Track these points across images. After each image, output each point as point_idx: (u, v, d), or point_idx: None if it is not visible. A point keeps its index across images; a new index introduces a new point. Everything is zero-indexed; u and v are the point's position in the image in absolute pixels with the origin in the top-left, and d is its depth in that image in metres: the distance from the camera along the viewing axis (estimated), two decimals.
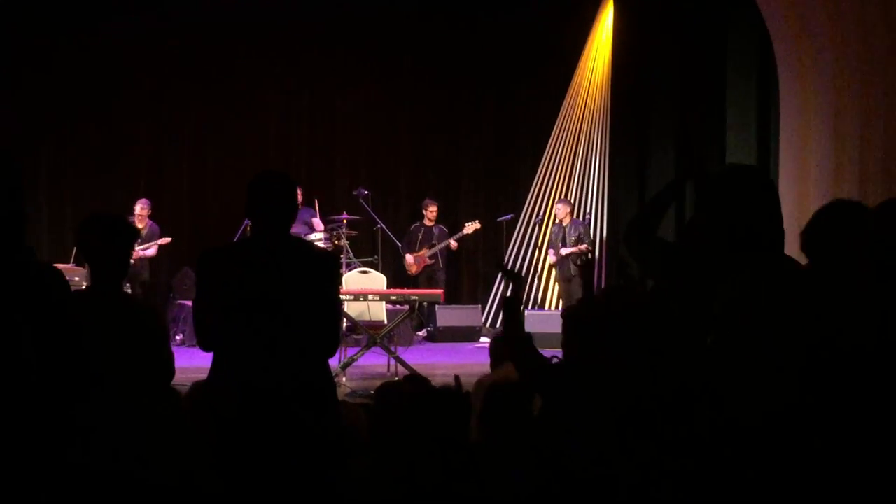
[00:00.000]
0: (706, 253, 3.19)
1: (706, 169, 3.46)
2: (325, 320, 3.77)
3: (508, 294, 3.94)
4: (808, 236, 3.32)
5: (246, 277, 3.67)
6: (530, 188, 13.79)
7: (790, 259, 3.19)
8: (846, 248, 3.21)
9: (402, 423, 3.41)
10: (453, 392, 3.58)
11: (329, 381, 3.86)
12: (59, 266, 3.97)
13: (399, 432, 3.39)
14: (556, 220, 12.55)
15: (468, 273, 14.39)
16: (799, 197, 9.61)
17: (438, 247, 12.67)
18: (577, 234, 12.28)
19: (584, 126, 13.56)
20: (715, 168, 3.53)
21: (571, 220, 12.46)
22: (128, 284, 10.96)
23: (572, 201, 13.02)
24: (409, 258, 12.69)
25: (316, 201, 12.09)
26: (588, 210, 13.31)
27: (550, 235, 12.68)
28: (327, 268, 3.90)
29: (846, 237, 3.23)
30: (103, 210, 4.11)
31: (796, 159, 10.22)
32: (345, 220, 12.07)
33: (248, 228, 10.05)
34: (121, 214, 4.25)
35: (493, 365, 5.68)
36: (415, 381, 5.06)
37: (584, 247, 12.11)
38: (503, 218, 13.09)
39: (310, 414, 3.65)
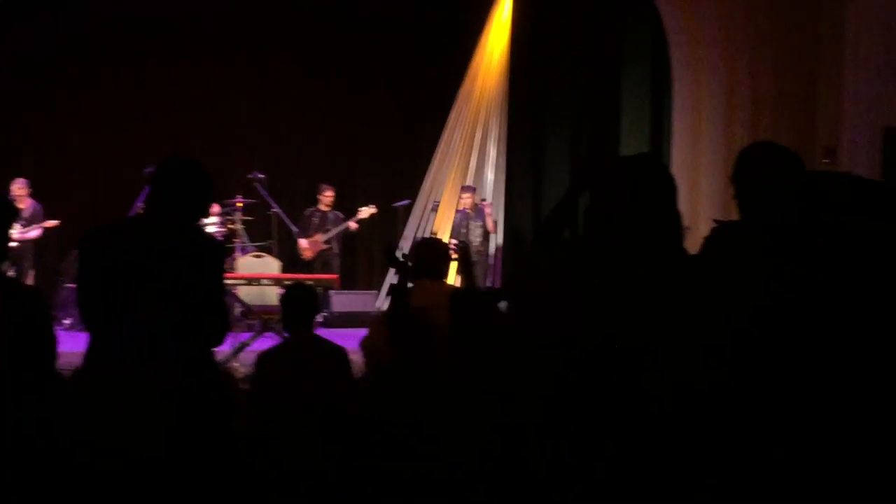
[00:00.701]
0: (610, 242, 3.16)
1: (605, 159, 3.47)
2: (209, 308, 3.66)
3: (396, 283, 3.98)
4: (738, 178, 3.14)
5: (129, 260, 3.56)
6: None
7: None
8: (778, 192, 3.06)
9: (280, 393, 3.40)
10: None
11: (214, 368, 3.79)
12: None
13: (278, 403, 3.38)
14: (461, 208, 12.55)
15: (363, 259, 14.34)
16: (691, 187, 9.79)
17: (333, 232, 12.56)
18: (481, 221, 12.32)
19: (482, 110, 13.56)
20: (614, 158, 3.53)
21: (476, 207, 12.49)
22: (13, 268, 10.67)
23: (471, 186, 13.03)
24: (302, 243, 12.55)
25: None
26: (484, 195, 13.33)
27: (454, 222, 12.66)
28: (213, 254, 3.79)
29: (777, 180, 3.07)
30: None
31: (689, 150, 10.43)
32: (239, 204, 11.93)
33: (140, 210, 9.86)
34: None
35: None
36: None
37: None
38: (399, 204, 13.07)
39: (191, 400, 3.56)
